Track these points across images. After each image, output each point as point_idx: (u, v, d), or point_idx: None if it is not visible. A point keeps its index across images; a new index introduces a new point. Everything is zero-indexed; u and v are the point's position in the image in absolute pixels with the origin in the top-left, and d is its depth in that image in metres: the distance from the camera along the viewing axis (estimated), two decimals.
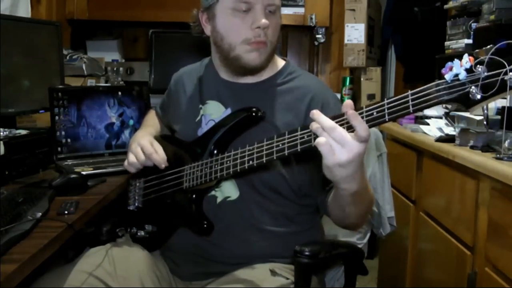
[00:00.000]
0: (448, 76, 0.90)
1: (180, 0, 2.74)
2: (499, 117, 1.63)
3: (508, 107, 1.63)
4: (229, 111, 1.33)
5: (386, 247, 2.53)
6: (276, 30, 1.29)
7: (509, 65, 0.86)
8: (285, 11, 2.83)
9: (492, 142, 1.59)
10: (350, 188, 1.04)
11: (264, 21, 1.23)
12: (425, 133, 2.02)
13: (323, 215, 1.37)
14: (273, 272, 1.24)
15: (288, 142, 1.06)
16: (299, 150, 1.04)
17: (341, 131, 0.95)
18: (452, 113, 1.98)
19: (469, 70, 0.89)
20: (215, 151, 1.26)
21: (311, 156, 1.24)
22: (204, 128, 1.35)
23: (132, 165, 1.36)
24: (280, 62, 1.39)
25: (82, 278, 1.22)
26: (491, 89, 0.87)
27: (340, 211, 1.17)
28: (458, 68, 0.89)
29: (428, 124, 2.10)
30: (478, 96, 0.88)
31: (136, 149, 1.35)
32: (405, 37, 3.30)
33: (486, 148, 1.59)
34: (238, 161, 1.16)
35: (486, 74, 0.87)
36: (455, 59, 0.90)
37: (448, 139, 1.80)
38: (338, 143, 0.95)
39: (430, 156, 1.92)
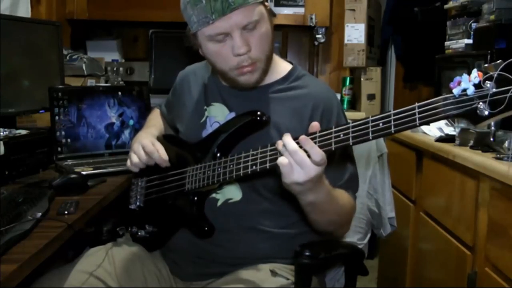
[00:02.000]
0: (456, 91, 0.89)
1: (180, 0, 2.75)
2: None
3: None
4: (233, 114, 1.33)
5: (386, 247, 2.53)
6: (262, 45, 1.22)
7: None
8: (285, 11, 2.83)
9: (492, 142, 1.59)
10: (305, 198, 1.12)
11: (243, 48, 1.18)
12: (425, 133, 2.02)
13: None
14: (274, 273, 1.24)
15: None
16: None
17: (302, 155, 1.02)
18: None
19: (477, 86, 0.88)
20: (218, 154, 1.25)
21: None
22: (209, 129, 1.34)
23: (135, 165, 1.36)
24: (286, 66, 1.36)
25: (83, 278, 1.22)
26: (500, 105, 0.86)
27: (308, 217, 1.23)
28: (466, 83, 0.88)
29: (428, 124, 2.10)
30: (486, 113, 0.87)
31: (138, 149, 1.35)
32: (405, 37, 3.30)
33: (486, 148, 1.59)
34: (242, 165, 1.16)
35: (494, 90, 0.86)
36: (464, 74, 0.89)
37: (448, 139, 1.80)
38: (298, 165, 1.02)
39: (430, 156, 1.92)
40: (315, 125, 1.06)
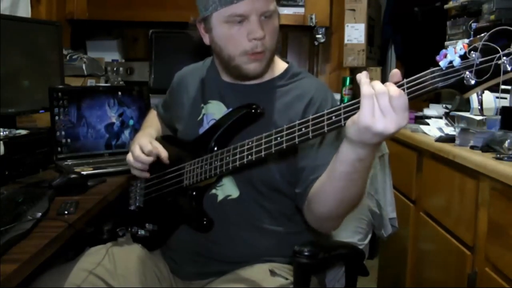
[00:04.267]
0: (442, 63, 0.91)
1: (180, 0, 2.75)
2: (499, 117, 1.63)
3: (508, 107, 1.63)
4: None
5: (386, 247, 2.53)
6: (274, 36, 1.27)
7: (502, 50, 0.87)
8: (285, 11, 2.83)
9: (492, 142, 1.59)
10: (360, 151, 0.98)
11: (260, 33, 1.21)
12: (425, 133, 2.02)
13: None
14: (273, 272, 1.24)
15: (287, 135, 1.07)
16: (297, 142, 1.05)
17: (388, 100, 0.90)
18: (452, 113, 1.97)
19: (463, 57, 0.90)
20: (216, 148, 1.26)
21: (305, 145, 1.23)
22: (206, 127, 1.35)
23: (136, 169, 1.38)
24: (282, 64, 1.38)
25: (82, 277, 1.22)
26: (486, 74, 0.88)
27: (329, 184, 1.11)
28: (452, 55, 0.90)
29: (428, 124, 2.10)
30: (473, 82, 0.89)
31: (135, 151, 1.36)
32: (405, 37, 3.29)
33: (486, 148, 1.59)
34: (238, 156, 1.17)
35: (480, 59, 0.88)
36: (449, 47, 0.91)
37: (448, 139, 1.80)
38: (381, 110, 0.91)
39: (430, 156, 1.92)
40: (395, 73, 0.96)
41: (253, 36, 1.22)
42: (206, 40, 1.32)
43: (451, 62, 0.90)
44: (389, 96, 0.90)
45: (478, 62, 0.88)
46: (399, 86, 0.92)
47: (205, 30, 1.30)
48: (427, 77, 0.92)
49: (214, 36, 1.28)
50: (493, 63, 0.87)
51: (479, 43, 0.89)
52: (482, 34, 0.89)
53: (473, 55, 0.89)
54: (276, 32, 1.27)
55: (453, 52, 0.90)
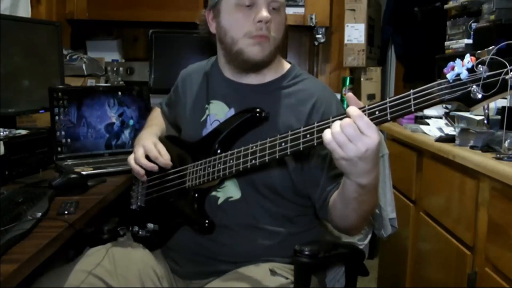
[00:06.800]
0: (450, 76, 0.91)
1: (180, 0, 2.75)
2: (499, 117, 1.63)
3: (508, 107, 1.63)
4: (232, 111, 1.34)
5: (386, 247, 2.53)
6: (279, 27, 1.29)
7: (510, 65, 0.86)
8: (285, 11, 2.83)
9: (492, 142, 1.59)
10: (359, 181, 1.03)
11: (266, 14, 1.24)
12: (425, 133, 2.02)
13: None
14: (273, 272, 1.24)
15: (291, 141, 1.07)
16: (301, 149, 1.05)
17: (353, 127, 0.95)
18: (452, 113, 1.97)
19: (470, 70, 0.90)
20: (219, 151, 1.26)
21: (312, 156, 1.24)
22: (209, 128, 1.36)
23: (138, 173, 1.38)
24: (285, 65, 1.39)
25: (82, 277, 1.22)
26: (492, 88, 0.88)
27: (344, 205, 1.15)
28: (460, 68, 0.90)
29: (428, 124, 2.10)
30: (479, 96, 0.89)
31: (138, 153, 1.35)
32: (405, 37, 3.30)
33: (486, 148, 1.59)
34: (241, 160, 1.17)
35: (487, 73, 0.88)
36: (457, 59, 0.91)
37: (448, 139, 1.80)
38: (348, 139, 0.96)
39: (430, 156, 1.92)
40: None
41: (259, 18, 1.24)
42: (213, 28, 1.35)
43: (458, 74, 0.90)
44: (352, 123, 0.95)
45: (485, 76, 0.88)
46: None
47: (213, 18, 1.34)
48: (434, 89, 0.92)
49: (220, 20, 1.31)
50: (500, 78, 0.87)
51: (486, 57, 0.88)
52: (491, 47, 0.89)
53: (481, 69, 0.88)
54: (282, 26, 1.30)
55: (461, 65, 0.90)
